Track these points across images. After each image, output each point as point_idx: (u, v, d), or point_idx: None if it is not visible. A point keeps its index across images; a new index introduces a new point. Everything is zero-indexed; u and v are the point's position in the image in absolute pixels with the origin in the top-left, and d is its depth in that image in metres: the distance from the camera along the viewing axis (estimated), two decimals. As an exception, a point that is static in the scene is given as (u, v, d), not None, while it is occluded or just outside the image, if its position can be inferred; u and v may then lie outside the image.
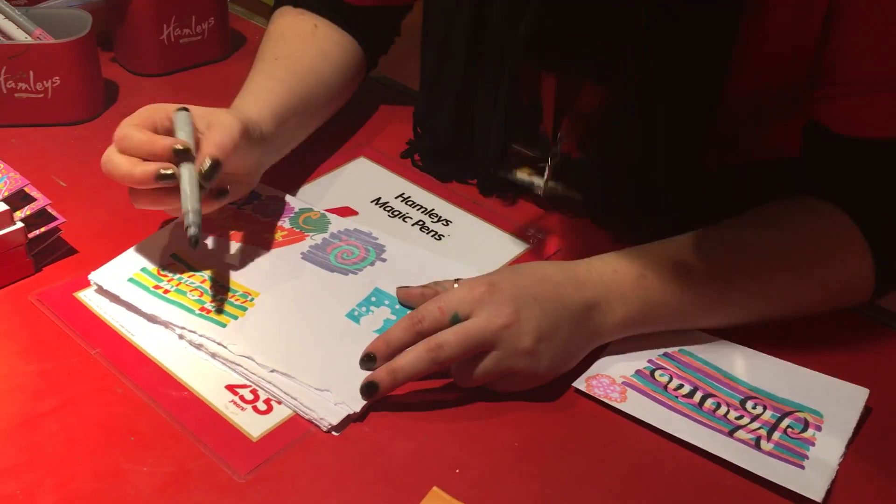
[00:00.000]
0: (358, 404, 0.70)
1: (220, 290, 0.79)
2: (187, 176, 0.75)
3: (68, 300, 0.79)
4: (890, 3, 0.71)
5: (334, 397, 0.70)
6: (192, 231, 0.73)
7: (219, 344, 0.74)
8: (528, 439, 0.69)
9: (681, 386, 0.73)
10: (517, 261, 0.85)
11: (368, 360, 0.71)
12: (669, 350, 0.76)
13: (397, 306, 0.79)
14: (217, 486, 0.65)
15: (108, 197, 0.89)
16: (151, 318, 0.77)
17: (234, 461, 0.66)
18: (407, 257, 0.84)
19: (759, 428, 0.70)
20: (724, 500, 0.66)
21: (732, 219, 0.79)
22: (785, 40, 0.75)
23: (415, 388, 0.71)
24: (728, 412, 0.71)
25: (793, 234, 0.78)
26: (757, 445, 0.68)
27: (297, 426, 0.69)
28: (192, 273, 0.81)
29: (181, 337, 0.75)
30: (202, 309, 0.77)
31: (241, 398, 0.71)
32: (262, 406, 0.70)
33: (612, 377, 0.73)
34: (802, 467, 0.67)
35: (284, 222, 0.87)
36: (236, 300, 0.78)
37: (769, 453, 0.68)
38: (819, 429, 0.70)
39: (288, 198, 0.91)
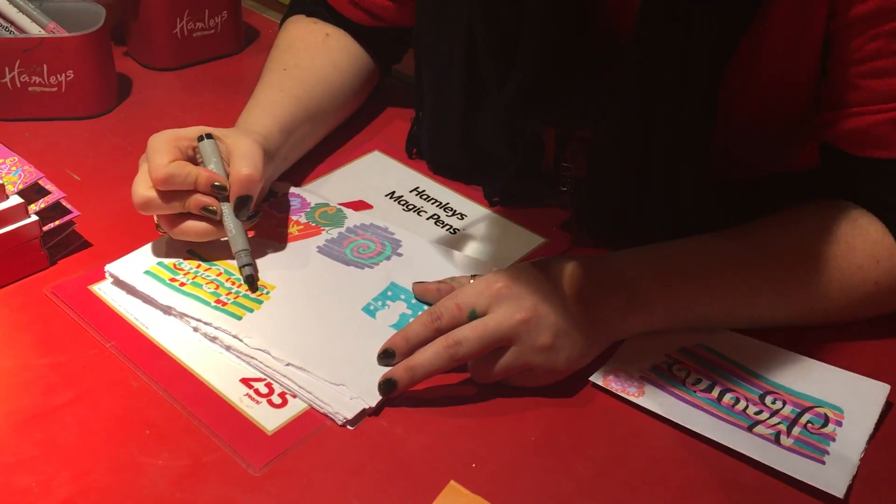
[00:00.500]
0: (373, 399, 0.69)
1: (236, 283, 0.79)
2: (229, 215, 0.79)
3: (83, 293, 0.78)
4: (886, 26, 0.69)
5: (350, 391, 0.70)
6: (246, 271, 0.78)
7: (234, 337, 0.74)
8: (545, 434, 0.69)
9: (699, 381, 0.72)
10: (533, 255, 0.85)
11: (387, 357, 0.71)
12: (687, 345, 0.75)
13: (413, 301, 0.78)
14: (232, 480, 0.64)
15: (122, 191, 0.88)
16: (166, 310, 0.76)
17: (249, 454, 0.66)
18: (423, 252, 0.84)
19: (778, 423, 0.69)
20: (743, 496, 0.65)
21: (758, 220, 0.77)
22: (783, 63, 0.74)
23: (431, 384, 0.71)
24: (747, 407, 0.70)
25: (825, 238, 0.75)
26: (777, 441, 0.68)
27: (313, 420, 0.69)
28: (208, 266, 0.81)
29: (196, 329, 0.75)
30: (218, 301, 0.77)
31: (256, 391, 0.70)
32: (276, 399, 0.70)
33: (630, 372, 0.72)
34: (823, 463, 0.66)
35: (300, 217, 0.87)
36: (252, 293, 0.78)
37: (789, 448, 0.67)
38: (840, 424, 0.69)
39: (304, 193, 0.90)
